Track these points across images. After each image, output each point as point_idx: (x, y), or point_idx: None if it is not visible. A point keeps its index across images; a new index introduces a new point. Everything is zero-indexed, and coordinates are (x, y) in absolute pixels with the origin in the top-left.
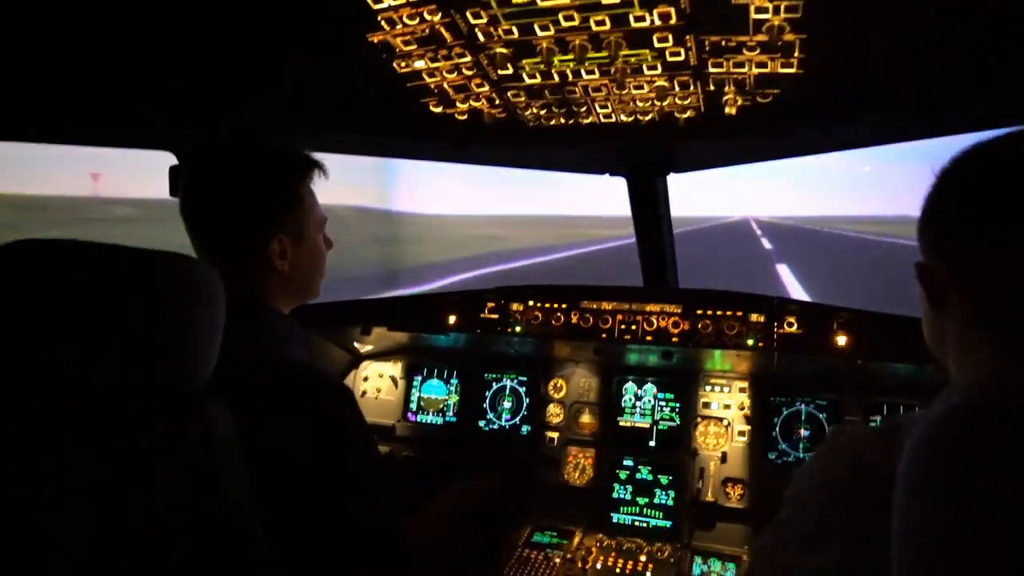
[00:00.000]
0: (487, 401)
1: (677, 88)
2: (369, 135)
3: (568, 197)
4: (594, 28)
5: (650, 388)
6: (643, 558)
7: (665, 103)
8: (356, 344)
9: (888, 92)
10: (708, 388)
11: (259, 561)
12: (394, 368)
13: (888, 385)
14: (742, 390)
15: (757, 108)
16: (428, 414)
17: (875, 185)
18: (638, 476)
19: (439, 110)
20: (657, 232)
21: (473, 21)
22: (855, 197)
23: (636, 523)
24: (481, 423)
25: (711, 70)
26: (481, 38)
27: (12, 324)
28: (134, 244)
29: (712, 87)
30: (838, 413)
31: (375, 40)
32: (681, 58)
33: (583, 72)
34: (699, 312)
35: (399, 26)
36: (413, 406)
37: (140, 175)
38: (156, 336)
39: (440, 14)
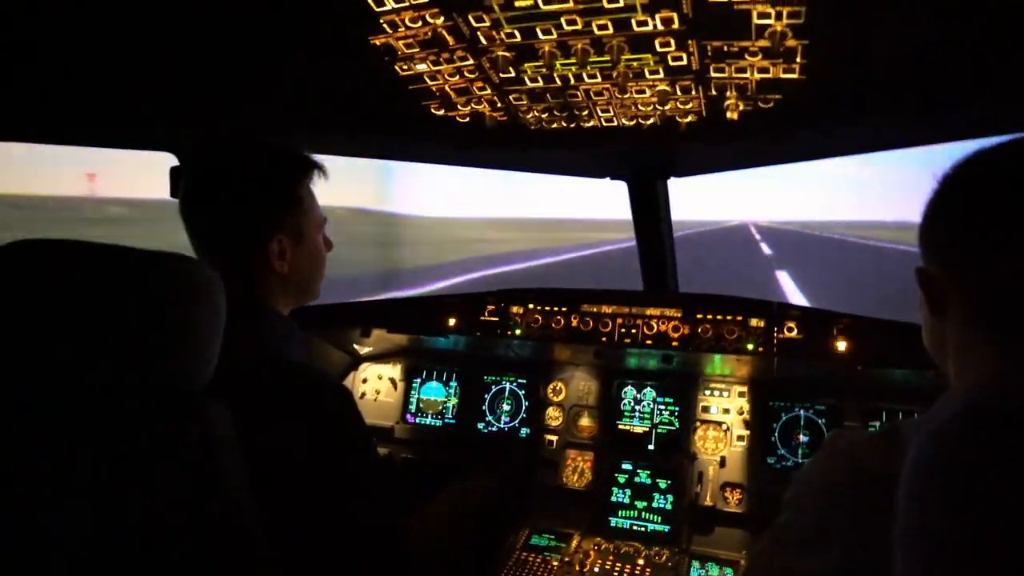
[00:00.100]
0: (486, 403)
1: (679, 92)
2: (370, 137)
3: (557, 199)
4: (596, 32)
5: (649, 392)
6: (641, 562)
7: (667, 107)
8: (355, 346)
9: (890, 98)
10: (707, 392)
11: (259, 561)
12: (393, 370)
13: (887, 391)
14: (741, 395)
15: (759, 113)
16: (427, 416)
17: (875, 190)
18: (637, 480)
19: (441, 113)
20: (657, 236)
21: (475, 24)
22: (855, 202)
23: (634, 527)
24: (480, 425)
25: (713, 75)
26: (483, 41)
27: (11, 324)
28: (125, 244)
29: (714, 92)
30: (837, 418)
31: (377, 42)
32: (683, 63)
33: (585, 76)
34: (699, 316)
35: (401, 29)
36: (412, 408)
37: (134, 176)
38: (156, 336)
39: (442, 17)
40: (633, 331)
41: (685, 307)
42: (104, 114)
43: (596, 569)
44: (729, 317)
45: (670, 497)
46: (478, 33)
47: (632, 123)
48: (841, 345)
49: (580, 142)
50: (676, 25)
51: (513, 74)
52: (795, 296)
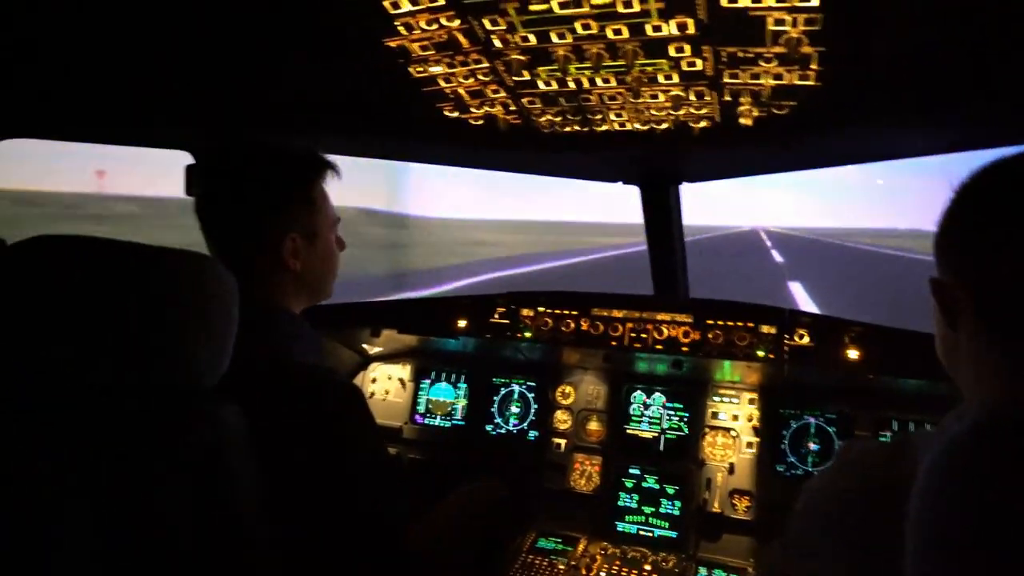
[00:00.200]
0: (495, 405)
1: (693, 98)
2: (384, 139)
3: (561, 203)
4: (611, 37)
5: (659, 397)
6: (648, 567)
7: (680, 113)
8: (365, 346)
9: (906, 106)
10: (717, 398)
11: (260, 561)
12: (403, 370)
13: (899, 400)
14: (751, 401)
15: (773, 119)
16: (436, 417)
17: (888, 198)
18: (644, 485)
19: (454, 115)
20: (669, 241)
21: (490, 28)
22: (868, 210)
23: (641, 532)
24: (488, 427)
25: (727, 81)
26: (498, 44)
27: (23, 320)
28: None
29: (728, 97)
30: (848, 427)
31: (392, 45)
32: (697, 68)
33: (599, 80)
34: (710, 322)
35: (416, 31)
36: (421, 409)
37: (143, 174)
38: (164, 335)
39: (458, 20)
40: (643, 336)
41: (696, 312)
42: (122, 112)
43: (602, 573)
44: (740, 323)
45: (678, 503)
46: (493, 36)
47: (645, 128)
48: (853, 353)
49: (593, 146)
50: (691, 31)
51: (527, 77)
52: (807, 305)
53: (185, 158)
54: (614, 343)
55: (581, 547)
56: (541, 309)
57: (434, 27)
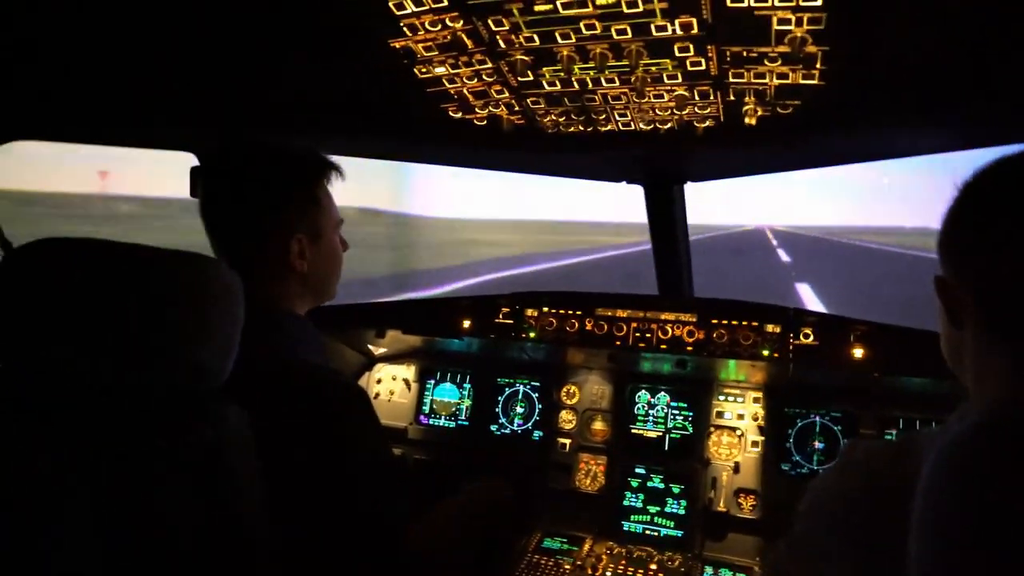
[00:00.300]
0: (499, 406)
1: (697, 97)
2: (388, 139)
3: (572, 202)
4: (615, 37)
5: (663, 396)
6: (653, 567)
7: (684, 112)
8: (370, 346)
9: (910, 104)
10: (722, 398)
11: (262, 561)
12: (407, 371)
13: (905, 399)
14: (756, 400)
15: (777, 118)
16: (440, 418)
17: (894, 196)
18: (650, 484)
19: (459, 115)
20: (673, 240)
21: (495, 28)
22: (874, 208)
23: (647, 531)
24: (493, 427)
25: (731, 80)
26: (502, 45)
27: (27, 322)
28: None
29: (732, 97)
30: (853, 426)
31: (396, 45)
32: (702, 68)
33: (603, 80)
34: (714, 321)
35: (421, 32)
36: (426, 409)
37: (145, 174)
38: (170, 336)
39: (462, 21)
40: (648, 335)
41: (700, 312)
42: (125, 114)
43: (608, 573)
44: (744, 322)
45: (683, 502)
46: (497, 37)
47: (649, 127)
48: (858, 352)
49: (597, 146)
50: (695, 30)
51: (531, 78)
52: (815, 306)
53: (188, 157)
54: (618, 343)
55: (587, 547)
56: (545, 309)
57: (438, 28)
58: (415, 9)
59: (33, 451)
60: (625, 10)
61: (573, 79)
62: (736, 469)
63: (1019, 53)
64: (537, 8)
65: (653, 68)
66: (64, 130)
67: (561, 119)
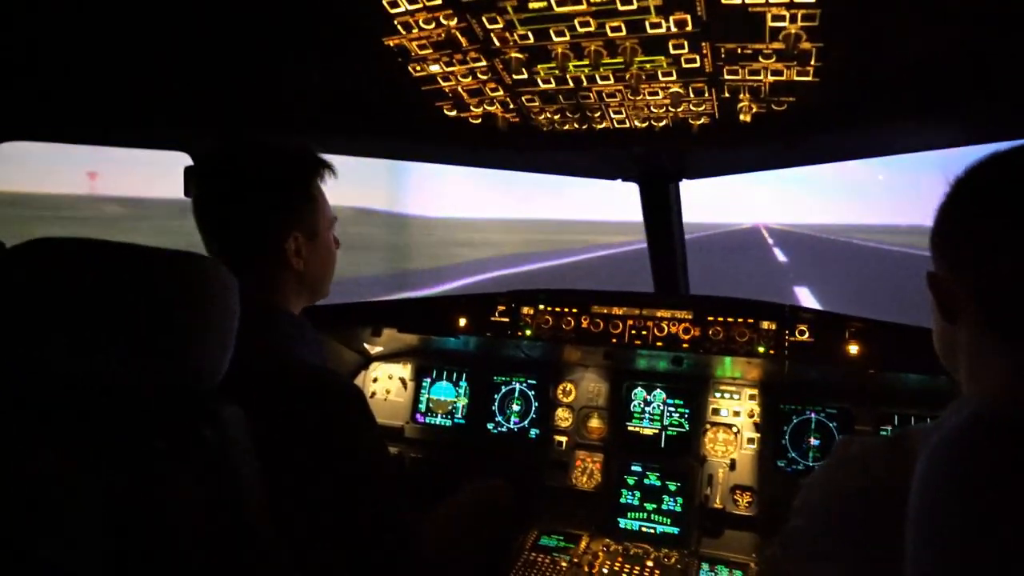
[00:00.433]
0: (496, 404)
1: (692, 95)
2: (382, 138)
3: (567, 201)
4: (610, 34)
5: (659, 394)
6: (650, 564)
7: (679, 109)
8: (366, 345)
9: (904, 101)
10: (718, 395)
11: (268, 562)
12: (404, 370)
13: (900, 395)
14: (752, 397)
15: (772, 116)
16: (437, 416)
17: (888, 194)
18: (646, 482)
19: (453, 114)
20: (669, 238)
21: (489, 26)
22: (869, 206)
23: (643, 529)
24: (490, 426)
25: (726, 77)
26: (496, 43)
27: (22, 322)
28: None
29: (727, 94)
30: (849, 422)
31: (391, 44)
32: (696, 65)
33: (598, 77)
34: (710, 319)
35: (415, 30)
36: (422, 408)
37: (131, 175)
38: (167, 336)
39: (456, 19)
40: (644, 333)
41: (696, 309)
42: (121, 114)
43: (605, 570)
44: (740, 320)
45: (679, 499)
46: (491, 35)
47: (644, 125)
48: (853, 349)
49: (592, 144)
50: (690, 27)
51: (526, 76)
52: (809, 302)
53: (181, 158)
54: (615, 340)
55: (583, 544)
56: (541, 307)
57: (432, 26)
58: (409, 7)
59: (33, 451)
60: (619, 7)
61: (568, 76)
62: (732, 466)
63: (1015, 49)
64: (531, 5)
65: (648, 65)
66: (58, 130)
67: (556, 117)
